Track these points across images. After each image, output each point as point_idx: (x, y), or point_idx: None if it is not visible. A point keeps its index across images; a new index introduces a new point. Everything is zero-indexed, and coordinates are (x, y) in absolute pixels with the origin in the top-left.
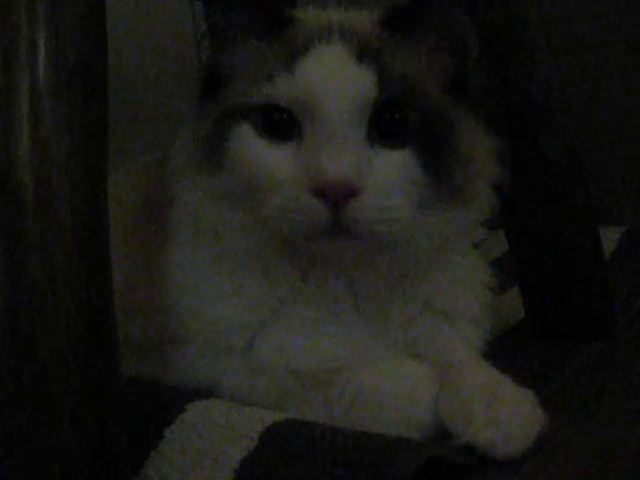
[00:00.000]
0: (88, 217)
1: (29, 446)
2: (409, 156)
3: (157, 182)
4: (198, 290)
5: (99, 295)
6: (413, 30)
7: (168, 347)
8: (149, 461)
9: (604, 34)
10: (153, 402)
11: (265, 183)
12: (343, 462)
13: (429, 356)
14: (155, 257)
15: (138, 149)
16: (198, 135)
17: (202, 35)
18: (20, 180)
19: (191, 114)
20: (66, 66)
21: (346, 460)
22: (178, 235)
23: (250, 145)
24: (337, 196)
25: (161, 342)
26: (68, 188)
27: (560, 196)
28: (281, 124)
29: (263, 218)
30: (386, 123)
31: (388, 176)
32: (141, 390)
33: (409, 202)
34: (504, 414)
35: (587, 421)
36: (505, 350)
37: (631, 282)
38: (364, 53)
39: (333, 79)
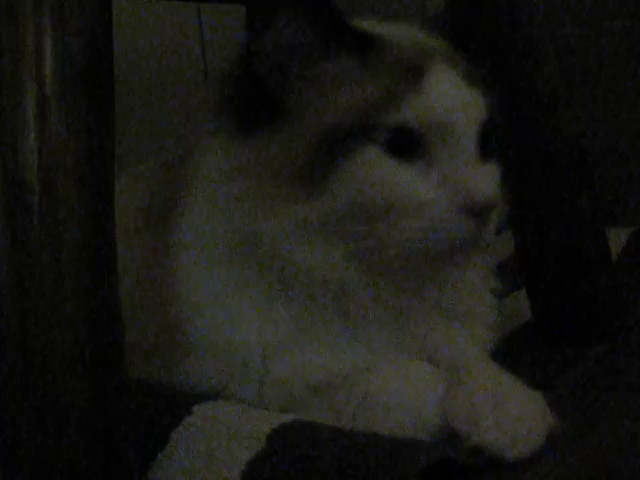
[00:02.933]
0: (95, 221)
1: (36, 449)
2: (496, 168)
3: (162, 187)
4: (219, 308)
5: (106, 299)
6: None
7: (175, 355)
8: (156, 463)
9: (611, 34)
10: (159, 404)
11: (400, 205)
12: (350, 464)
13: (438, 357)
14: (163, 263)
15: (144, 153)
16: (287, 161)
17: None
18: (27, 184)
19: (225, 134)
20: (73, 71)
21: (354, 462)
22: (204, 251)
23: (380, 167)
24: (486, 213)
25: (167, 349)
26: (75, 192)
27: (566, 197)
28: (405, 144)
29: (390, 242)
30: (483, 140)
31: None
32: (148, 392)
33: None
34: (512, 415)
35: (595, 422)
36: (512, 352)
37: (638, 284)
38: (470, 78)
39: (463, 101)
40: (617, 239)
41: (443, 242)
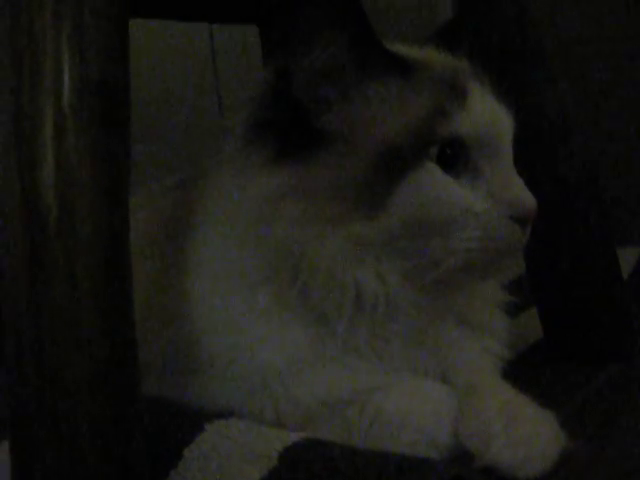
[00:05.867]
0: (110, 238)
1: (51, 465)
2: None
3: (177, 205)
4: (239, 328)
5: (121, 316)
6: None
7: (188, 373)
8: None
9: (621, 55)
10: (172, 422)
11: (457, 218)
12: None
13: (452, 374)
14: (178, 282)
15: (158, 172)
16: (342, 182)
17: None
18: (44, 201)
19: (262, 158)
20: (90, 90)
21: None
22: (224, 272)
23: (438, 183)
24: (531, 220)
25: (179, 367)
26: (91, 209)
27: (577, 216)
28: (452, 159)
29: (448, 254)
30: None
31: None
32: (161, 410)
33: None
34: (524, 435)
35: (607, 442)
36: (523, 371)
37: None
38: (496, 95)
39: (501, 116)
40: (628, 258)
41: (498, 249)
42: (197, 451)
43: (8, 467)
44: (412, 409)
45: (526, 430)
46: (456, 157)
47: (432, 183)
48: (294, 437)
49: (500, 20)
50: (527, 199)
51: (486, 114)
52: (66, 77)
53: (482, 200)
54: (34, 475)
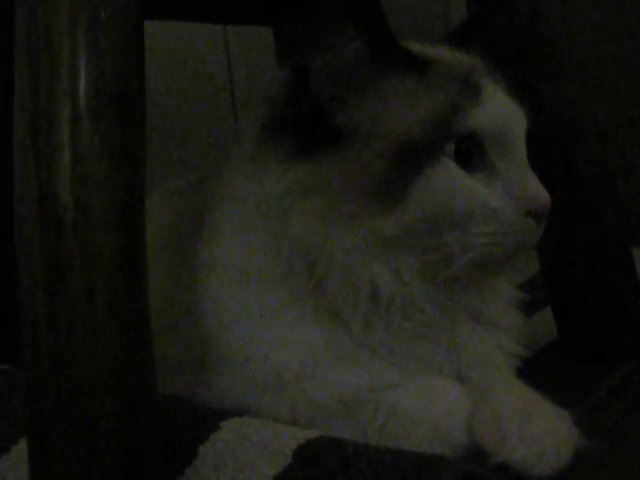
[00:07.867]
0: (127, 237)
1: (67, 463)
2: None
3: (192, 205)
4: (254, 327)
5: (137, 313)
6: None
7: (203, 371)
8: (183, 478)
9: (635, 55)
10: (187, 419)
11: (474, 213)
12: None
13: (466, 373)
14: (192, 281)
15: (173, 172)
16: (360, 178)
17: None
18: (60, 200)
19: (280, 154)
20: (106, 91)
21: (379, 477)
22: (238, 271)
23: (455, 178)
24: (545, 215)
25: (194, 366)
26: (107, 208)
27: (592, 216)
28: (468, 155)
29: (464, 249)
30: None
31: None
32: (176, 407)
33: None
34: (538, 433)
35: (621, 441)
36: (537, 371)
37: None
38: (509, 92)
39: (515, 112)
40: None
41: (513, 244)
42: (212, 449)
43: (26, 464)
44: (426, 407)
45: (540, 428)
46: (471, 153)
47: (448, 179)
48: (309, 435)
49: (514, 20)
50: (541, 194)
51: (500, 110)
52: (82, 78)
53: (497, 195)
54: (51, 473)
